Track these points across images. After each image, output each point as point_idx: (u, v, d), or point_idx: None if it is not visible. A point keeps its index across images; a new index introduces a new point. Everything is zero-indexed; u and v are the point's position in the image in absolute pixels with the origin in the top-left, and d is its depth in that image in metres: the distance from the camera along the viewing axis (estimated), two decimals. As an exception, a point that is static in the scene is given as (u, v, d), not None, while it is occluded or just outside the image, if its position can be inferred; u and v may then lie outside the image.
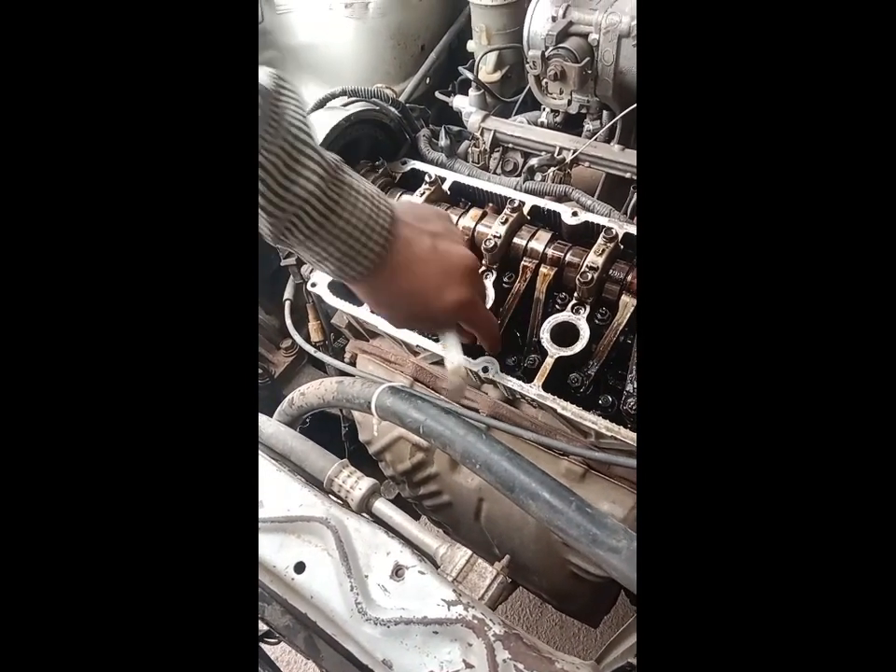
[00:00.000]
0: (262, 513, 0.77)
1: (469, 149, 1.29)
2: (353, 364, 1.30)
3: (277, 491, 0.80)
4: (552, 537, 1.08)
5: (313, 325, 1.38)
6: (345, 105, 1.27)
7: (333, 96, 1.25)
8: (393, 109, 1.28)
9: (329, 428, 1.50)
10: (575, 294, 1.05)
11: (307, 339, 1.38)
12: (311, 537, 0.74)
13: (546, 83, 1.16)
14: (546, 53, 1.12)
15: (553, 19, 1.15)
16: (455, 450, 0.70)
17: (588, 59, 1.12)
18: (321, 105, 1.25)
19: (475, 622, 0.65)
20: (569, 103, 1.19)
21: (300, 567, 0.72)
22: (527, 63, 1.15)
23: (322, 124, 1.16)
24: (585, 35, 1.13)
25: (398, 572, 0.70)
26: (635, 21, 1.06)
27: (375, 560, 0.72)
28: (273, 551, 0.74)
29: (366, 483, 0.89)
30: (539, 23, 1.20)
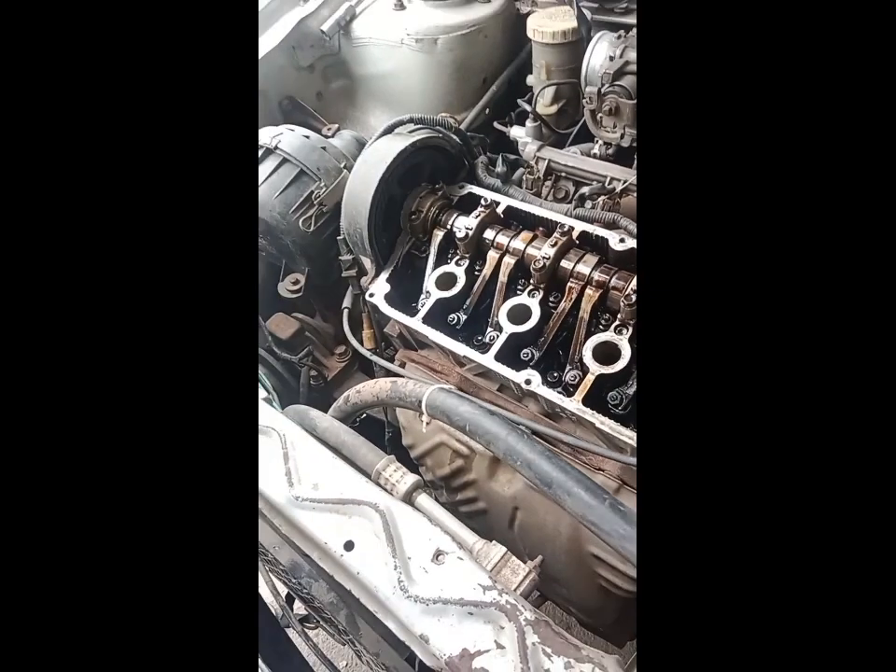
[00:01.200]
0: (318, 494, 0.84)
1: (524, 176, 1.37)
2: (403, 365, 1.38)
3: (333, 476, 0.88)
4: (583, 549, 1.11)
5: (366, 333, 1.47)
6: (411, 132, 1.37)
7: (401, 123, 1.35)
8: (454, 137, 1.38)
9: (373, 433, 1.57)
10: (619, 315, 1.10)
11: (362, 346, 1.47)
12: (361, 519, 0.81)
13: (601, 117, 1.23)
14: (602, 90, 1.19)
15: (611, 58, 1.23)
16: (499, 448, 0.76)
17: (642, 96, 1.19)
18: (389, 130, 1.35)
19: (508, 606, 0.70)
20: (622, 136, 1.26)
21: (349, 546, 0.79)
22: (584, 98, 1.23)
23: (389, 149, 1.26)
24: (640, 75, 1.20)
25: (438, 557, 0.76)
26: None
27: (418, 544, 0.78)
28: (325, 529, 0.81)
29: (411, 478, 0.95)
30: (597, 61, 1.28)
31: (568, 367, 1.14)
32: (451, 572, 0.75)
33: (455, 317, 1.27)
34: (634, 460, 1.00)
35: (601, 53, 1.25)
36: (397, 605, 0.74)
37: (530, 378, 1.09)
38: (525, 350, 1.18)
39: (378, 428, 1.60)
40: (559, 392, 1.10)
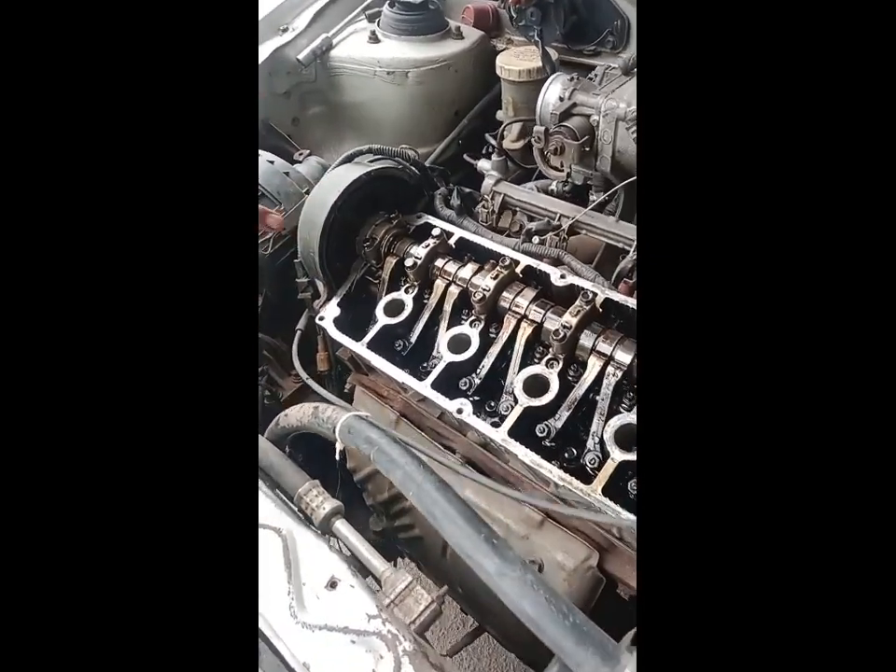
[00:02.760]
0: (226, 515, 0.85)
1: (479, 210, 1.40)
2: (351, 395, 1.40)
3: (244, 497, 0.89)
4: (509, 581, 1.12)
5: (321, 356, 1.49)
6: (371, 161, 1.41)
7: (360, 153, 1.39)
8: (413, 168, 1.41)
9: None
10: (550, 350, 1.12)
11: (316, 368, 1.50)
12: (264, 542, 0.83)
13: (548, 155, 1.26)
14: (549, 129, 1.22)
15: (561, 99, 1.27)
16: (396, 478, 0.77)
17: (587, 137, 1.22)
18: (349, 159, 1.39)
19: (389, 636, 0.71)
20: (568, 175, 1.29)
21: (249, 568, 0.80)
22: (533, 137, 1.26)
23: (343, 177, 1.29)
24: (588, 116, 1.24)
25: (332, 584, 0.77)
26: (631, 108, 1.16)
27: (315, 571, 0.79)
28: (229, 550, 0.82)
29: (330, 504, 0.97)
30: (549, 101, 1.32)
31: (503, 397, 1.16)
32: (342, 600, 0.76)
33: (402, 343, 1.29)
34: (560, 507, 1.00)
35: (553, 94, 1.29)
36: (286, 630, 0.75)
37: (462, 407, 1.11)
38: (463, 379, 1.20)
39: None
40: (494, 424, 1.12)
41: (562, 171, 1.30)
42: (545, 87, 1.33)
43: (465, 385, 1.19)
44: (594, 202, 1.37)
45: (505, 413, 1.13)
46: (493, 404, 1.18)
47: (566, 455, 1.09)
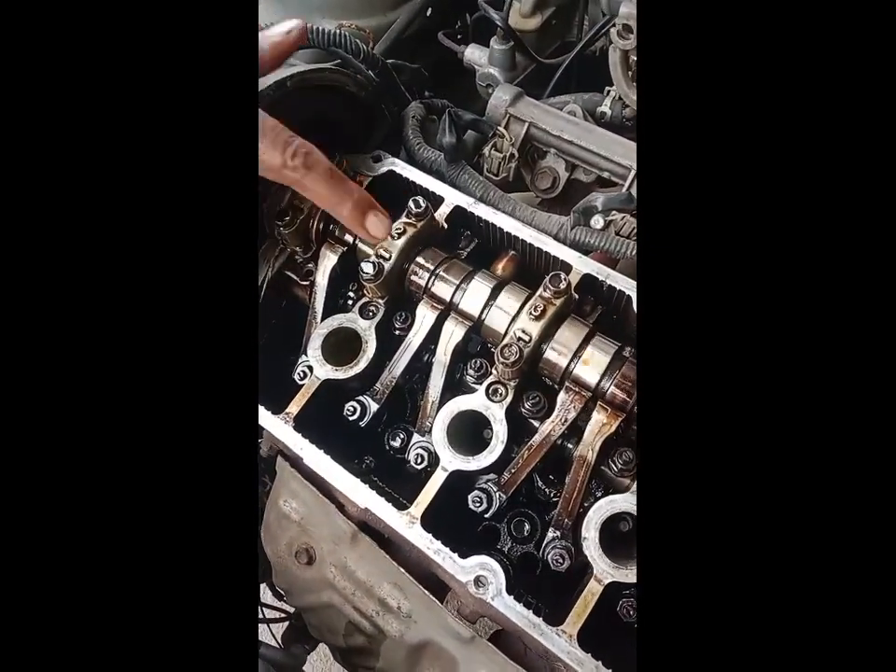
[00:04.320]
0: None
1: (488, 152, 0.79)
2: (273, 462, 0.83)
3: None
4: None
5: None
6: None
7: (262, 34, 0.71)
8: (365, 69, 0.76)
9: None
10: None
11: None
12: None
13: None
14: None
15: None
16: None
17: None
18: (239, 47, 0.71)
19: None
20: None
21: None
22: (615, 27, 0.63)
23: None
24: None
25: None
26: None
27: None
28: None
29: None
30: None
31: (553, 532, 0.65)
32: None
33: (355, 408, 0.72)
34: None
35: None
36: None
37: (483, 576, 0.59)
38: (475, 492, 0.66)
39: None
40: (532, 607, 0.58)
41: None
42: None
43: (478, 502, 0.66)
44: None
45: (556, 565, 0.63)
46: (527, 527, 0.68)
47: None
